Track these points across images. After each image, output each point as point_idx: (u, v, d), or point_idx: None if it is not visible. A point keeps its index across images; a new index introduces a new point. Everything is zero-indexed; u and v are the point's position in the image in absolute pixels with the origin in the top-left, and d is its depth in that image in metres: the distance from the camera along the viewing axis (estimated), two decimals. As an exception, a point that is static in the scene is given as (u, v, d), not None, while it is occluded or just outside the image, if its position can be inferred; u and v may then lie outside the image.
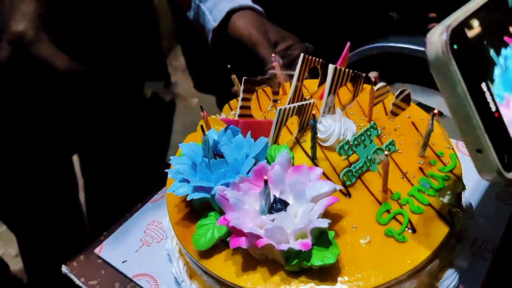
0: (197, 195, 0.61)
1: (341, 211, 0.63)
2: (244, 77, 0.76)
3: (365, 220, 0.61)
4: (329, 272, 0.56)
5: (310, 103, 0.74)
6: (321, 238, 0.57)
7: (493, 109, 0.49)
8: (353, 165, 0.66)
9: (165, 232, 0.78)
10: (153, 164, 1.03)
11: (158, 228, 0.80)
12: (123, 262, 0.77)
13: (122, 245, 0.79)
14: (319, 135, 0.72)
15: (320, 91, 0.84)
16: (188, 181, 0.63)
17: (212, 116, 0.82)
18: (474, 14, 0.49)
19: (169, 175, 0.65)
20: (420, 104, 0.87)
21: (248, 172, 0.62)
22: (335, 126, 0.71)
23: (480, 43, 0.49)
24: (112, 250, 0.79)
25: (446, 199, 0.62)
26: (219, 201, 0.59)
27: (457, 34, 0.47)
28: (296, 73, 0.78)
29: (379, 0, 1.14)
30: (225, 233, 0.60)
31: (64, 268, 0.78)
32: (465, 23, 0.48)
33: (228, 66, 0.81)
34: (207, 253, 0.61)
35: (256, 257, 0.58)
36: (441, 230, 0.59)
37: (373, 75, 0.79)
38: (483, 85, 0.48)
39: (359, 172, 0.67)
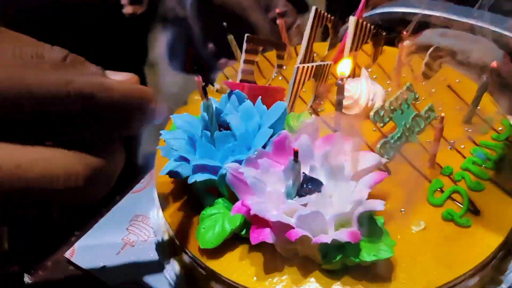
0: (201, 177, 0.47)
1: (381, 192, 0.50)
2: (246, 34, 0.62)
3: (414, 202, 0.49)
4: (378, 270, 0.43)
5: (327, 63, 0.61)
6: (368, 227, 0.44)
7: None
8: (390, 136, 0.54)
9: (153, 228, 0.63)
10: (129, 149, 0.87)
11: (144, 224, 0.65)
12: (101, 267, 0.61)
13: (99, 247, 0.63)
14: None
15: (332, 55, 0.71)
16: (187, 160, 0.49)
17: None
18: None
19: (161, 153, 0.50)
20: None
21: (264, 147, 0.48)
22: (362, 90, 0.58)
23: None
24: (87, 253, 0.63)
25: (507, 172, 0.51)
26: (232, 184, 0.45)
27: None
28: (307, 30, 0.65)
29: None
30: (239, 225, 0.46)
31: (27, 278, 0.62)
32: None
33: (224, 24, 0.66)
34: (216, 252, 0.47)
35: (283, 254, 0.45)
36: (511, 209, 0.47)
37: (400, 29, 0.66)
38: None
39: (398, 143, 0.54)
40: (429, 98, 0.61)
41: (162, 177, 0.55)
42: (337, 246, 0.42)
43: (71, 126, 0.26)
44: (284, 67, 0.70)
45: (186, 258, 0.51)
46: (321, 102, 0.62)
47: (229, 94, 0.55)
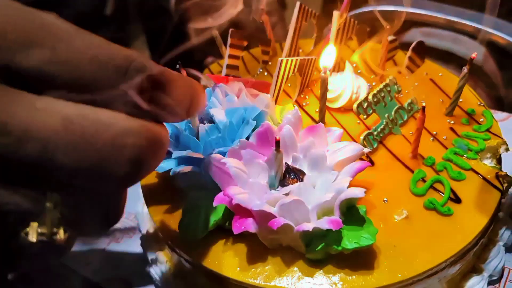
0: (184, 169, 0.47)
1: (364, 182, 0.50)
2: (231, 29, 0.62)
3: (397, 192, 0.49)
4: (361, 258, 0.43)
5: (312, 58, 0.61)
6: (350, 215, 0.44)
7: None
8: (373, 128, 0.54)
9: (138, 223, 0.63)
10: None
11: (129, 220, 0.65)
12: (86, 264, 0.61)
13: (85, 244, 0.63)
14: (328, 95, 0.60)
15: (317, 50, 0.71)
16: (169, 153, 0.49)
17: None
18: None
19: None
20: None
21: (247, 139, 0.48)
22: (346, 84, 0.59)
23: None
24: (72, 250, 0.63)
25: (489, 162, 0.51)
26: (215, 175, 0.45)
27: None
28: (291, 25, 0.65)
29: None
30: (222, 217, 0.46)
31: (10, 277, 0.61)
32: None
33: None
34: (199, 244, 0.47)
35: (267, 245, 0.45)
36: (491, 198, 0.48)
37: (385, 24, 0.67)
38: None
39: (381, 135, 0.54)
40: (412, 92, 0.62)
41: (148, 184, 0.55)
42: (320, 235, 0.42)
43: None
44: (270, 63, 0.71)
45: (170, 251, 0.51)
46: (306, 96, 0.63)
47: (213, 88, 0.55)
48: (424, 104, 0.48)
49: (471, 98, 0.60)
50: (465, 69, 0.53)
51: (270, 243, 0.45)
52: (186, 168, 0.47)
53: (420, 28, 1.12)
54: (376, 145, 0.54)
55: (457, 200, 0.48)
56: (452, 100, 0.56)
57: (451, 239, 0.44)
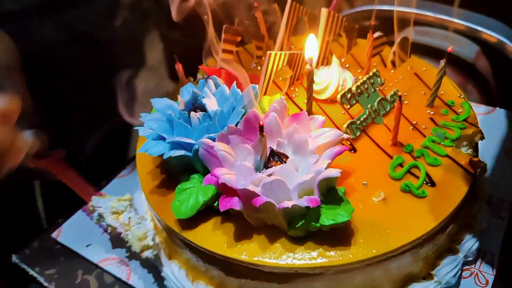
0: (175, 153, 0.50)
1: (347, 168, 0.53)
2: (224, 25, 0.66)
3: (376, 176, 0.52)
4: (340, 236, 0.47)
5: (301, 53, 0.65)
6: (329, 196, 0.47)
7: None
8: (356, 117, 0.57)
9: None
10: (117, 139, 0.91)
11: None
12: (86, 246, 0.65)
13: (85, 228, 0.67)
14: (314, 87, 0.63)
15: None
16: (164, 139, 0.53)
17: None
18: None
19: (140, 133, 0.54)
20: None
21: (236, 125, 0.52)
22: (332, 76, 0.62)
23: None
24: (73, 233, 0.67)
25: (464, 149, 0.54)
26: (204, 158, 0.49)
27: None
28: (283, 21, 0.68)
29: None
30: (212, 197, 0.49)
31: (14, 258, 0.65)
32: None
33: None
34: (190, 223, 0.50)
35: (252, 223, 0.48)
36: (464, 182, 0.51)
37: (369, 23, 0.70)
38: None
39: (364, 124, 0.58)
40: (396, 84, 0.65)
41: (144, 159, 0.59)
42: (300, 213, 0.46)
43: None
44: (263, 58, 0.74)
45: (165, 231, 0.55)
46: (296, 89, 0.66)
47: (206, 79, 0.58)
48: (399, 94, 0.51)
49: (452, 91, 0.63)
50: (442, 62, 0.56)
51: (255, 222, 0.48)
52: (178, 152, 0.51)
53: (414, 27, 1.15)
54: (358, 133, 0.57)
55: (431, 183, 0.51)
56: (432, 91, 0.59)
57: (424, 219, 0.47)
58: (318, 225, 0.45)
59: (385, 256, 0.46)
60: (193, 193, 0.50)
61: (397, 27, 1.01)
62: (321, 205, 0.46)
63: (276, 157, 0.48)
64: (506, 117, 0.73)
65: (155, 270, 0.59)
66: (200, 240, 0.49)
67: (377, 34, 0.69)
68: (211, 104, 0.55)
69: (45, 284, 0.61)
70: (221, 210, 0.45)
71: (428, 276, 0.52)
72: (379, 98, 0.59)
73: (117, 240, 0.64)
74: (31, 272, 0.63)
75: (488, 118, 0.74)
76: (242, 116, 0.52)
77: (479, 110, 0.76)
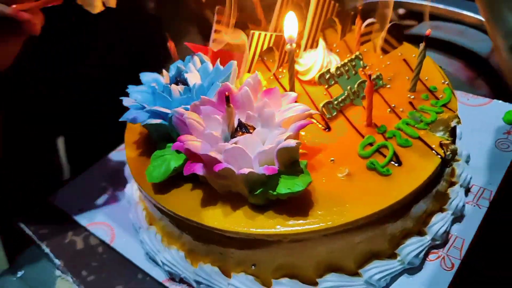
0: (152, 121, 0.53)
1: (319, 145, 0.55)
2: (217, 7, 0.68)
3: (345, 154, 0.53)
4: (300, 206, 0.48)
5: (289, 35, 0.66)
6: (291, 167, 0.49)
7: None
8: (334, 98, 0.58)
9: (127, 179, 0.70)
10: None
11: (121, 176, 0.72)
12: (78, 210, 0.69)
13: (79, 194, 0.71)
14: (299, 68, 0.65)
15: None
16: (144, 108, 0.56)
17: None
18: None
19: (123, 103, 0.57)
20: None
21: (214, 99, 0.54)
22: (317, 59, 0.63)
23: None
24: (68, 198, 0.71)
25: (438, 133, 0.55)
26: (177, 126, 0.51)
27: None
28: (277, 5, 0.70)
29: None
30: (182, 164, 0.52)
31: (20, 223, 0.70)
32: None
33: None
34: (163, 188, 0.53)
35: (218, 190, 0.50)
36: (431, 162, 0.51)
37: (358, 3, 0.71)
38: None
39: (341, 105, 0.59)
40: (383, 69, 0.66)
41: (132, 131, 0.62)
42: (260, 182, 0.47)
43: None
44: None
45: (142, 195, 0.58)
46: (283, 70, 0.68)
47: (192, 56, 0.61)
48: (370, 73, 0.52)
49: (437, 77, 0.63)
50: (421, 46, 0.56)
51: (220, 188, 0.50)
52: (155, 120, 0.54)
53: (429, 22, 1.13)
54: (335, 113, 0.58)
55: (398, 163, 0.51)
56: (413, 75, 0.59)
57: (384, 195, 0.48)
58: (275, 193, 0.46)
59: (341, 229, 0.47)
60: (166, 160, 0.53)
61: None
62: (281, 176, 0.48)
63: (243, 128, 0.50)
64: (501, 109, 0.71)
65: (137, 235, 0.62)
66: (170, 204, 0.52)
67: (370, 20, 0.70)
68: (194, 78, 0.58)
69: (38, 242, 0.66)
70: (184, 174, 0.48)
71: (393, 256, 0.53)
72: (359, 81, 0.60)
73: (106, 207, 0.68)
74: (27, 231, 0.68)
75: (484, 109, 0.73)
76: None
77: (476, 101, 0.75)
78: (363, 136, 0.55)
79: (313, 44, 0.69)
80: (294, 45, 0.58)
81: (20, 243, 0.68)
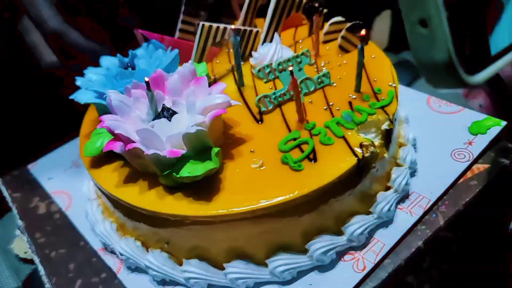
0: (90, 100, 0.58)
1: (246, 136, 0.56)
2: (185, -3, 0.71)
3: (267, 146, 0.54)
4: (207, 192, 0.50)
5: (251, 30, 0.68)
6: (203, 153, 0.51)
7: None
8: (272, 92, 0.60)
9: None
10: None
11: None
12: (48, 179, 0.75)
13: (54, 164, 0.78)
14: (252, 61, 0.66)
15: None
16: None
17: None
18: None
19: (76, 82, 0.62)
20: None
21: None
22: (268, 52, 0.65)
23: None
24: (43, 167, 0.78)
25: (365, 134, 0.54)
26: (109, 106, 0.55)
27: None
28: (246, 2, 0.72)
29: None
30: (114, 142, 0.56)
31: (-1, 180, 0.79)
32: None
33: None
34: (97, 163, 0.57)
35: (138, 168, 0.54)
36: (346, 162, 0.51)
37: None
38: None
39: (279, 99, 0.60)
40: (337, 67, 0.65)
41: (92, 113, 0.67)
42: (169, 164, 0.50)
43: None
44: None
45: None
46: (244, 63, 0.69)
47: (148, 43, 0.65)
48: (291, 69, 0.52)
49: (387, 79, 0.61)
50: (360, 46, 0.56)
51: (140, 167, 0.53)
52: (94, 100, 0.58)
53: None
54: (271, 106, 0.59)
55: (314, 160, 0.52)
56: (356, 75, 0.59)
57: (286, 190, 0.49)
58: (178, 176, 0.49)
59: (238, 217, 0.48)
60: (101, 137, 0.57)
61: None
62: (190, 160, 0.50)
63: (165, 112, 0.53)
64: (472, 119, 0.68)
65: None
66: (98, 178, 0.56)
67: (337, 18, 0.70)
68: (141, 64, 0.61)
69: (10, 204, 0.73)
70: (104, 151, 0.52)
71: (304, 251, 0.53)
72: (303, 77, 0.60)
73: (72, 179, 0.74)
74: (5, 193, 0.75)
75: (454, 117, 0.70)
76: (160, 76, 0.58)
77: (448, 109, 0.72)
78: (290, 131, 0.56)
79: (272, 39, 0.70)
80: (238, 38, 0.60)
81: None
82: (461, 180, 0.61)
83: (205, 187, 0.51)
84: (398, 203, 0.59)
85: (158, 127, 0.50)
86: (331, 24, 0.69)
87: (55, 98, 0.91)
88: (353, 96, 0.59)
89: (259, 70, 0.58)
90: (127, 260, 0.57)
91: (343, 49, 0.68)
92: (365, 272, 0.52)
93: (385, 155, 0.55)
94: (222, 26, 0.64)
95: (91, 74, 0.63)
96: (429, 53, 0.33)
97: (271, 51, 0.64)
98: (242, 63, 0.69)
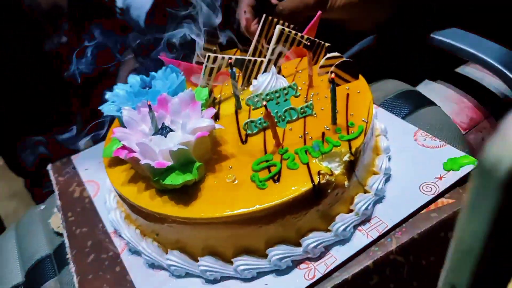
0: (110, 112, 0.72)
1: (230, 154, 0.67)
2: (205, 29, 0.83)
3: (244, 164, 0.65)
4: (187, 198, 0.62)
5: (254, 59, 0.78)
6: (186, 166, 0.63)
7: None
8: (258, 118, 0.70)
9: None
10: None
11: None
12: (85, 169, 0.92)
13: (91, 157, 0.94)
14: (251, 88, 0.77)
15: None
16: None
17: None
18: None
19: (105, 96, 0.76)
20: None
21: (162, 103, 0.70)
22: (264, 82, 0.75)
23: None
24: (83, 159, 0.95)
25: (328, 163, 0.63)
26: (123, 120, 0.69)
27: None
28: (257, 32, 0.82)
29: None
30: (125, 148, 0.69)
31: (49, 166, 0.96)
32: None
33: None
34: (113, 164, 0.71)
35: (139, 172, 0.67)
36: (302, 186, 0.60)
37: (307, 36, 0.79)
38: None
39: (264, 125, 0.70)
40: (323, 99, 0.74)
41: (116, 123, 0.81)
42: (160, 172, 0.62)
43: None
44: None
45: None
46: (245, 87, 0.80)
47: (166, 67, 0.78)
48: (264, 103, 0.62)
49: (362, 115, 0.69)
50: (332, 86, 0.64)
51: (140, 172, 0.67)
52: (112, 112, 0.72)
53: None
54: (256, 130, 0.70)
55: (278, 181, 0.61)
56: (331, 110, 0.67)
57: (249, 204, 0.59)
58: (163, 182, 0.61)
59: (203, 221, 0.60)
60: (116, 144, 0.71)
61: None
62: (176, 171, 0.62)
63: (163, 130, 0.65)
64: (450, 155, 0.74)
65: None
66: (111, 176, 0.70)
67: (333, 54, 0.78)
68: (158, 85, 0.75)
69: (53, 186, 0.90)
70: (113, 155, 0.65)
71: (264, 256, 0.64)
72: (287, 107, 0.70)
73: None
74: (51, 177, 0.93)
75: (435, 151, 0.76)
76: (168, 97, 0.70)
77: (432, 143, 0.77)
78: (266, 153, 0.66)
79: (277, 69, 0.80)
80: (234, 70, 0.71)
81: (46, 184, 0.93)
82: (423, 211, 0.68)
83: (188, 193, 0.62)
84: (359, 224, 0.67)
85: (155, 141, 0.63)
86: (327, 58, 0.77)
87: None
88: (327, 128, 0.68)
89: (248, 99, 0.69)
90: (129, 243, 0.71)
91: (331, 82, 0.76)
92: (313, 280, 0.61)
93: (346, 183, 0.63)
94: (226, 57, 0.75)
95: (118, 89, 0.77)
96: None
97: (266, 81, 0.75)
98: (245, 88, 0.81)
